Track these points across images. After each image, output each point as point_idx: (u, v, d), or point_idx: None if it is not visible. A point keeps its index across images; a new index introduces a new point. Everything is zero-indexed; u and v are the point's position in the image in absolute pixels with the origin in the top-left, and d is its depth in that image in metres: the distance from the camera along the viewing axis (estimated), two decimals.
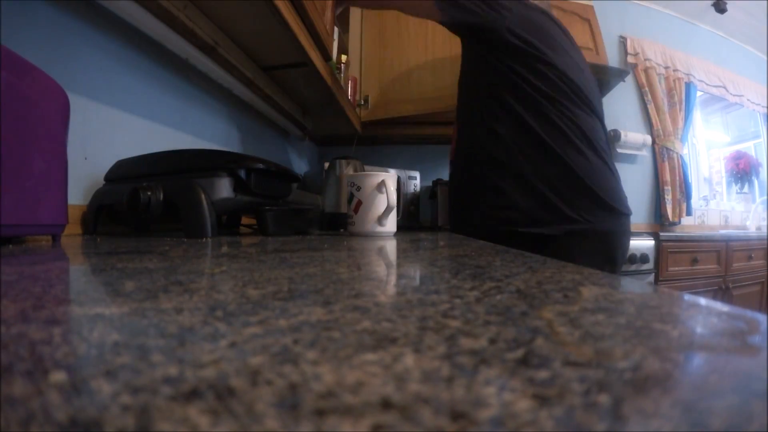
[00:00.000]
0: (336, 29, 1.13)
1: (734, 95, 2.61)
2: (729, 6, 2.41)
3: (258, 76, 1.04)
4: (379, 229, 0.68)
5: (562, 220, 0.78)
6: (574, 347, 0.10)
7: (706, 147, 2.83)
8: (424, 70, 1.74)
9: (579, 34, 1.91)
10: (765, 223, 2.65)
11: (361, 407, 0.07)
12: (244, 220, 0.86)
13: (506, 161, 0.80)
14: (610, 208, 0.81)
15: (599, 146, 0.82)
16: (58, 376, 0.08)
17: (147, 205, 0.50)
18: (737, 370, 0.09)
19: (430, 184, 1.90)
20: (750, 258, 2.00)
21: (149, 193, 0.50)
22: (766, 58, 2.72)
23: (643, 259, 1.49)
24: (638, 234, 1.59)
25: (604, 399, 0.07)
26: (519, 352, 0.09)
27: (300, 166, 1.73)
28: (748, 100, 2.68)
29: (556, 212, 0.78)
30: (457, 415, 0.06)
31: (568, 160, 0.78)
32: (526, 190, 0.79)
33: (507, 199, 0.80)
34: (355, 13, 1.45)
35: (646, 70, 2.27)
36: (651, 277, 1.55)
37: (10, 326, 0.11)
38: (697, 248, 1.77)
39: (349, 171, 1.32)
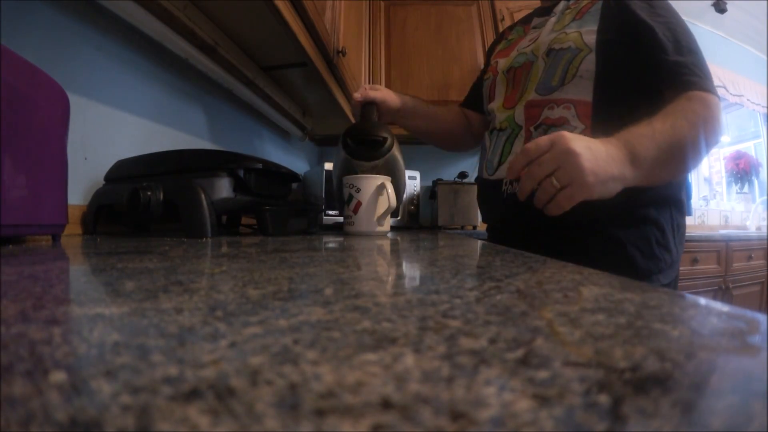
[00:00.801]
0: None
1: (734, 95, 2.61)
2: (729, 6, 2.41)
3: (258, 76, 1.04)
4: (378, 228, 0.70)
5: (677, 260, 0.66)
6: (574, 347, 0.10)
7: None
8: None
9: None
10: (765, 223, 2.65)
11: (361, 407, 0.07)
12: (244, 220, 0.86)
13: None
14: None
15: None
16: (58, 376, 0.08)
17: (147, 205, 0.50)
18: (737, 370, 0.09)
19: (430, 184, 1.91)
20: (750, 258, 2.00)
21: (149, 193, 0.50)
22: (766, 58, 2.71)
23: None
24: None
25: (604, 399, 0.07)
26: (519, 352, 0.09)
27: (300, 166, 1.73)
28: (748, 100, 2.68)
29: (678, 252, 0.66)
30: (457, 415, 0.06)
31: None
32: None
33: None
34: (359, 9, 1.45)
35: None
36: None
37: (10, 326, 0.11)
38: (697, 248, 1.77)
39: None
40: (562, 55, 0.65)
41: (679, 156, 0.54)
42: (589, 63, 0.62)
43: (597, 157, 0.49)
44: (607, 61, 0.62)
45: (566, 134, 0.50)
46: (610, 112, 0.58)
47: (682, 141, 0.53)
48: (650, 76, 0.60)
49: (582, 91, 0.63)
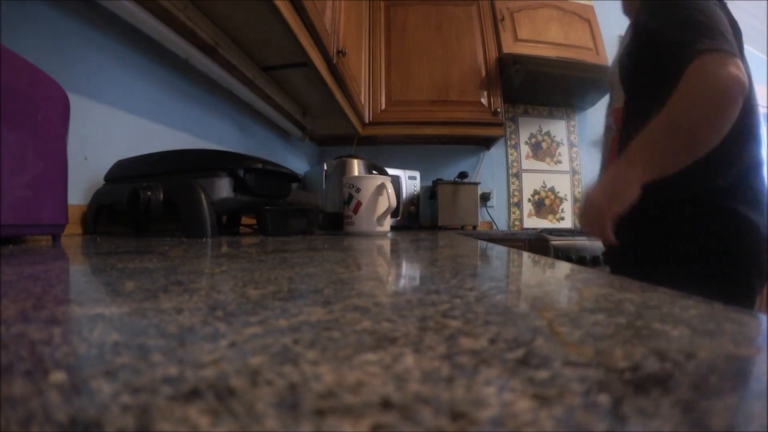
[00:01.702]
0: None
1: None
2: (729, 6, 2.41)
3: (258, 76, 1.04)
4: (378, 228, 0.70)
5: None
6: (574, 347, 0.10)
7: None
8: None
9: (579, 34, 1.91)
10: None
11: (361, 407, 0.07)
12: (244, 220, 0.86)
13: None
14: None
15: None
16: (58, 376, 0.08)
17: (147, 205, 0.50)
18: (737, 370, 0.09)
19: (430, 184, 1.91)
20: None
21: (149, 193, 0.50)
22: (766, 58, 2.71)
23: None
24: None
25: (604, 399, 0.07)
26: (519, 352, 0.09)
27: (300, 166, 1.73)
28: None
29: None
30: (457, 415, 0.06)
31: None
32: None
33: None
34: (359, 9, 1.45)
35: None
36: None
37: (10, 326, 0.11)
38: None
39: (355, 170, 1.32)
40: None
41: (676, 139, 0.57)
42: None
43: (598, 191, 0.60)
44: (626, 70, 0.72)
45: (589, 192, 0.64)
46: (635, 115, 0.65)
47: (675, 124, 0.56)
48: (664, 71, 0.64)
49: (620, 98, 0.74)
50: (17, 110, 0.35)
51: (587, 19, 1.94)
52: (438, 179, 1.81)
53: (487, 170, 2.08)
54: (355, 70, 1.40)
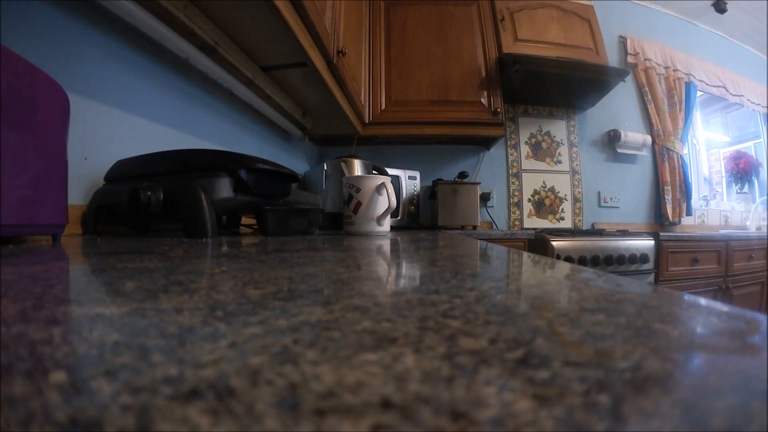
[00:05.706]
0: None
1: (734, 95, 2.61)
2: (729, 6, 2.41)
3: (258, 76, 1.04)
4: (378, 228, 0.70)
5: None
6: (574, 347, 0.10)
7: (706, 147, 2.83)
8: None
9: (579, 34, 1.91)
10: (765, 223, 2.64)
11: (361, 407, 0.07)
12: (244, 220, 0.86)
13: None
14: None
15: None
16: (58, 376, 0.08)
17: (147, 205, 0.50)
18: (737, 370, 0.09)
19: (430, 184, 1.91)
20: (750, 258, 2.00)
21: (149, 193, 0.50)
22: (766, 58, 2.71)
23: (643, 259, 1.49)
24: (638, 234, 1.59)
25: (604, 399, 0.07)
26: (519, 352, 0.09)
27: (300, 166, 1.73)
28: (748, 100, 2.68)
29: None
30: (457, 415, 0.06)
31: None
32: None
33: None
34: (359, 9, 1.45)
35: (646, 70, 2.27)
36: (651, 277, 1.55)
37: (10, 326, 0.11)
38: (697, 248, 1.77)
39: (356, 170, 1.32)
40: None
41: None
42: None
43: None
44: None
45: None
46: None
47: None
48: None
49: None
50: (17, 110, 0.35)
51: (587, 19, 1.94)
52: (438, 179, 1.81)
53: (487, 170, 2.08)
54: (355, 70, 1.40)
